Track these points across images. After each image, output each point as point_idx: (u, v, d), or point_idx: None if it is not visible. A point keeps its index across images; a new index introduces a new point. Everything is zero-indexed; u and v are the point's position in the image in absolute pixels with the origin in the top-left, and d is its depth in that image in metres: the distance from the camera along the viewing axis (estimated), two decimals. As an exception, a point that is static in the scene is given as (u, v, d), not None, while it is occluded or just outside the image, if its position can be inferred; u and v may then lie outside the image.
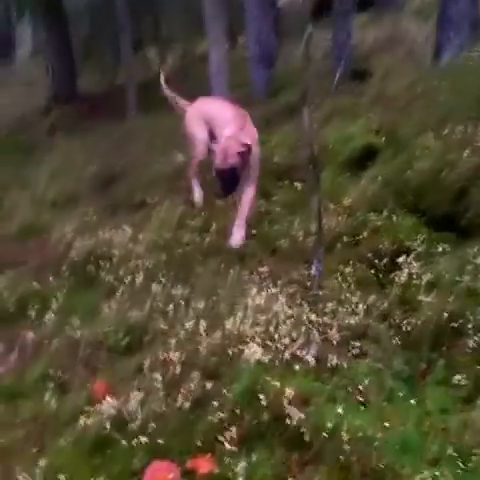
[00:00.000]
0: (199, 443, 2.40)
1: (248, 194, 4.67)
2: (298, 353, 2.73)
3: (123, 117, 9.40)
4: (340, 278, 3.87)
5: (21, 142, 8.67)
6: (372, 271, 3.93)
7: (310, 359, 2.69)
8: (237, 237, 4.43)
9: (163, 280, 3.96)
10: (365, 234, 4.36)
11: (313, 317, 3.05)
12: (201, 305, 3.57)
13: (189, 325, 3.22)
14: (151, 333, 3.29)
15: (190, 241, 4.78)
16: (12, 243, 5.21)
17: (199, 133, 5.21)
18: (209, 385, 2.66)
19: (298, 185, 5.86)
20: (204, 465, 2.27)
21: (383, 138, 5.73)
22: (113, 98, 10.58)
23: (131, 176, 6.27)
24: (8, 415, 2.94)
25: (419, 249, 3.89)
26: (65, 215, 5.63)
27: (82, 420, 2.59)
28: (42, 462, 2.49)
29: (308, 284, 3.67)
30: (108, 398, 2.65)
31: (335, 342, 2.86)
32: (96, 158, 6.95)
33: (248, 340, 2.84)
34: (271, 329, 2.87)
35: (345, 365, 2.70)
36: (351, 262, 4.06)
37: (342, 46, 8.42)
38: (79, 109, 10.41)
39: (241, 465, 2.25)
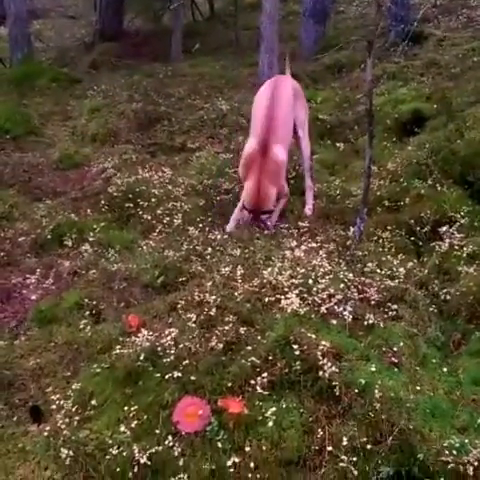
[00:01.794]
0: (230, 384, 2.42)
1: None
2: (335, 308, 2.71)
3: (167, 59, 9.26)
4: (378, 242, 3.85)
5: (64, 74, 8.59)
6: (411, 238, 3.89)
7: (347, 315, 2.67)
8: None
9: (201, 225, 3.96)
10: (407, 201, 4.29)
11: (351, 276, 3.02)
12: (237, 252, 3.58)
13: (225, 270, 3.22)
14: (187, 274, 3.30)
15: (229, 189, 4.77)
16: (52, 172, 5.24)
17: None
18: (243, 330, 2.67)
19: (341, 145, 5.78)
20: (234, 405, 2.30)
21: (434, 105, 5.57)
22: (158, 39, 10.42)
23: (174, 118, 6.21)
24: (42, 339, 3.00)
25: (462, 221, 3.82)
26: (105, 150, 5.63)
27: (116, 349, 2.62)
28: (75, 386, 2.54)
29: (347, 244, 3.64)
30: (143, 330, 2.68)
31: (373, 302, 2.84)
32: (139, 96, 6.87)
33: (286, 290, 2.82)
34: (310, 282, 2.85)
35: (381, 325, 2.68)
36: (390, 228, 4.02)
37: (400, 5, 8.11)
38: (124, 46, 10.27)
39: (271, 410, 2.27)
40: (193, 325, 2.76)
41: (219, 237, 3.68)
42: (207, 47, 10.17)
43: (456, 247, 3.49)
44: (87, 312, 3.09)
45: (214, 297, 2.90)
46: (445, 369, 2.61)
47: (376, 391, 2.30)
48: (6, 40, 9.47)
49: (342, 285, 2.88)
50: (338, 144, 5.80)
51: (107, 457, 2.18)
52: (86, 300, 3.18)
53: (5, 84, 8.05)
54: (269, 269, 3.06)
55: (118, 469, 2.14)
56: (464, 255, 3.41)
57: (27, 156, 5.62)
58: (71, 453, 2.20)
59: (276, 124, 4.20)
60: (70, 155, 5.53)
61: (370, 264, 3.15)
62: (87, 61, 9.68)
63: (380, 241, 3.86)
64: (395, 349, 2.59)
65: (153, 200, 4.32)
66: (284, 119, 4.33)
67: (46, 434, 2.32)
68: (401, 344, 2.62)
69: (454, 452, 2.14)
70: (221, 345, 2.58)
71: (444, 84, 6.07)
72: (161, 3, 11.62)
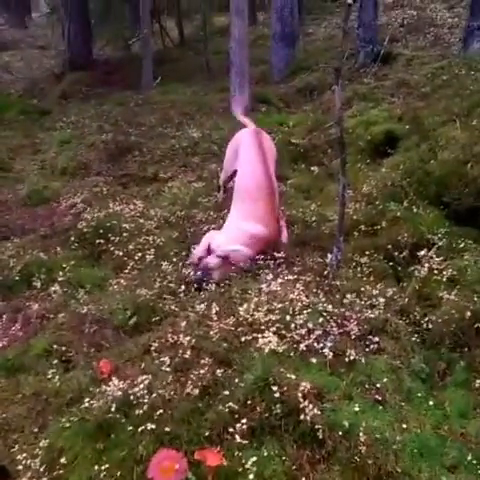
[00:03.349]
0: (207, 433, 2.29)
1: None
2: (315, 345, 2.61)
3: (138, 86, 9.22)
4: (356, 269, 3.77)
5: (33, 106, 8.49)
6: (390, 263, 3.82)
7: (327, 352, 2.57)
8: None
9: (174, 259, 3.85)
10: (384, 224, 4.23)
11: (330, 308, 2.92)
12: (212, 287, 3.47)
13: (200, 308, 3.11)
14: (160, 313, 3.18)
15: (203, 220, 4.67)
16: (20, 209, 5.09)
17: None
18: (220, 372, 2.55)
19: (315, 169, 5.73)
20: (212, 457, 2.17)
21: (406, 125, 5.56)
22: (129, 66, 10.40)
23: (145, 148, 6.13)
24: (9, 390, 2.83)
25: (440, 243, 3.76)
26: (75, 184, 5.50)
27: (86, 401, 2.48)
28: (43, 442, 2.39)
29: (324, 273, 3.54)
30: (114, 379, 2.54)
31: (353, 336, 2.74)
32: (109, 127, 6.79)
33: (263, 328, 2.71)
34: (287, 318, 2.75)
35: (363, 360, 2.58)
36: (368, 252, 3.95)
37: (367, 27, 8.19)
38: (94, 75, 10.23)
39: (251, 459, 2.14)
40: (167, 369, 2.64)
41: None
42: (178, 73, 10.16)
43: (435, 272, 3.42)
44: (56, 360, 2.94)
45: (188, 338, 2.79)
46: (431, 402, 2.52)
47: (361, 433, 2.20)
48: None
49: (321, 319, 2.78)
50: (312, 168, 5.76)
51: (78, 522, 2.03)
52: (55, 346, 3.02)
53: (-28, 118, 7.92)
54: (245, 305, 2.96)
55: None
56: (444, 279, 3.34)
57: (-5, 192, 5.48)
58: (39, 519, 2.05)
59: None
60: (39, 190, 5.39)
61: (349, 295, 3.05)
62: (57, 91, 9.60)
63: (358, 268, 3.78)
64: (378, 385, 2.49)
65: (125, 235, 4.20)
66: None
67: (12, 499, 2.17)
68: (385, 379, 2.52)
69: (445, 495, 2.03)
70: (197, 390, 2.46)
71: (415, 104, 6.08)
72: (130, 31, 11.65)
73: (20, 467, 2.31)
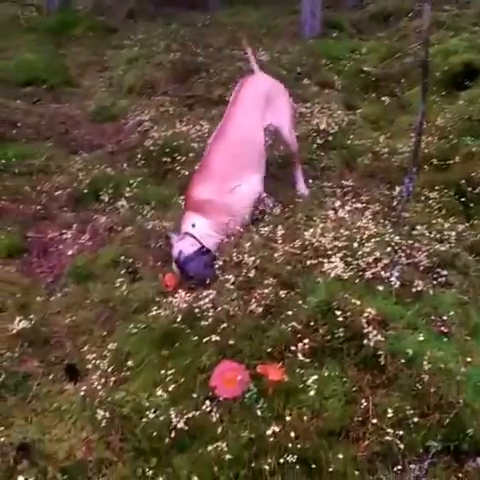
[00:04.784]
0: (269, 349, 2.33)
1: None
2: (381, 274, 2.57)
3: (206, 7, 8.97)
4: (425, 203, 3.67)
5: (101, 23, 8.40)
6: (461, 199, 3.69)
7: (394, 281, 2.53)
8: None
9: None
10: (457, 159, 4.07)
11: (397, 239, 2.86)
12: (277, 212, 3.45)
13: (265, 230, 3.10)
14: (225, 234, 3.19)
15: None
16: (88, 125, 5.14)
17: None
18: (283, 293, 2.56)
19: (386, 99, 5.52)
20: (274, 372, 2.21)
21: (489, 56, 5.25)
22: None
23: (212, 70, 6.00)
24: (79, 296, 2.96)
25: (517, 180, 3.60)
26: (142, 102, 5.49)
27: (153, 310, 2.56)
28: (111, 345, 2.49)
29: (392, 204, 3.47)
30: (180, 292, 2.60)
31: (421, 267, 2.69)
32: (177, 47, 6.67)
33: (329, 253, 2.69)
34: (354, 245, 2.71)
35: (430, 292, 2.54)
36: (438, 188, 3.83)
37: None
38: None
39: (312, 378, 2.18)
40: (231, 287, 2.68)
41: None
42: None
43: (510, 209, 3.29)
44: (123, 270, 3.03)
45: (253, 258, 2.80)
46: (497, 340, 2.46)
47: (424, 362, 2.18)
48: (42, -13, 9.27)
49: (389, 249, 2.74)
50: (383, 98, 5.54)
51: (144, 420, 2.13)
52: (122, 257, 3.11)
53: (42, 33, 7.92)
54: (311, 230, 2.93)
55: (155, 433, 2.09)
56: (519, 218, 3.22)
57: (64, 107, 5.54)
58: (107, 415, 2.16)
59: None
60: (107, 107, 5.41)
61: (419, 227, 2.98)
62: (124, 10, 9.45)
63: (427, 202, 3.68)
64: (444, 318, 2.45)
65: (191, 155, 4.18)
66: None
67: (82, 394, 2.29)
68: (451, 313, 2.47)
69: (507, 428, 2.02)
70: (260, 309, 2.49)
71: (500, 33, 5.71)
72: None
73: (89, 366, 2.42)
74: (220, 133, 3.37)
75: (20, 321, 2.63)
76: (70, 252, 3.34)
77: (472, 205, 3.60)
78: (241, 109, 3.48)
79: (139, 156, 4.31)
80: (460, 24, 6.54)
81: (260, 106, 3.56)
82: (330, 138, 4.54)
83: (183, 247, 2.97)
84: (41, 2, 9.20)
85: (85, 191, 3.90)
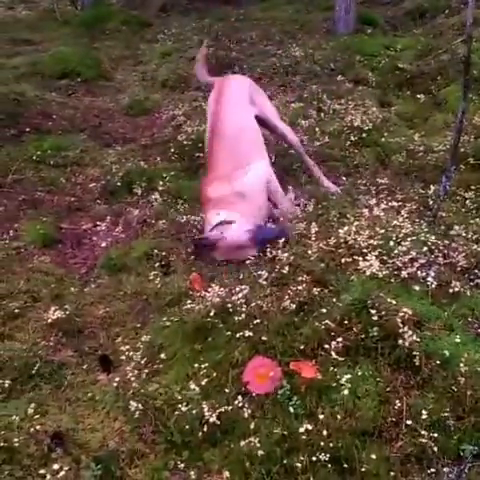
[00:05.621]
0: (302, 347, 2.32)
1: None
2: (417, 273, 2.54)
3: (239, 2, 8.94)
4: (460, 203, 3.61)
5: (134, 17, 8.43)
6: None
7: (430, 281, 2.49)
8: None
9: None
10: (495, 159, 3.99)
11: (433, 238, 2.82)
12: (310, 208, 3.43)
13: (298, 227, 3.09)
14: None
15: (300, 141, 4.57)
16: (122, 118, 5.18)
17: None
18: (316, 291, 2.55)
19: (421, 97, 5.43)
20: (307, 369, 2.20)
21: None
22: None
23: (245, 64, 6.00)
24: (112, 287, 2.98)
25: None
26: (175, 96, 5.51)
27: (186, 303, 2.57)
28: (144, 338, 2.51)
29: (428, 203, 3.42)
30: (214, 286, 2.60)
31: (458, 268, 2.65)
32: (210, 41, 6.66)
33: (364, 251, 2.66)
34: (390, 244, 2.68)
35: (468, 293, 2.50)
36: (474, 187, 3.76)
37: None
38: (194, -11, 9.98)
39: (346, 376, 2.16)
40: (264, 282, 2.67)
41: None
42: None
43: None
44: (156, 263, 3.05)
45: (287, 254, 2.79)
46: None
47: (461, 364, 2.15)
48: (77, -18, 9.34)
49: (425, 248, 2.70)
50: (418, 95, 5.46)
51: (176, 413, 2.14)
52: (155, 250, 3.13)
53: (77, 26, 8.01)
54: (345, 228, 2.91)
55: (187, 426, 2.10)
56: None
57: (97, 100, 5.59)
58: (140, 406, 2.17)
59: None
60: (140, 101, 5.44)
61: (456, 227, 2.93)
62: (158, 4, 9.48)
63: (463, 202, 3.62)
64: (481, 320, 2.42)
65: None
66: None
67: (115, 385, 2.30)
68: (488, 314, 2.43)
69: None
70: (293, 305, 2.48)
71: None
72: None
73: (123, 357, 2.44)
74: (216, 132, 3.41)
75: (55, 311, 2.66)
76: (103, 244, 3.37)
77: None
78: (229, 105, 3.54)
79: (172, 150, 4.32)
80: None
81: (246, 100, 3.68)
82: (364, 135, 4.49)
83: (240, 230, 3.02)
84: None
85: (118, 184, 3.93)
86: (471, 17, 2.64)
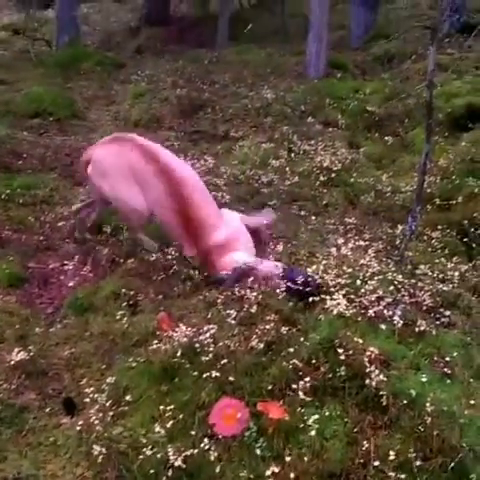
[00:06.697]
0: (270, 387, 2.30)
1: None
2: (384, 312, 2.56)
3: (213, 45, 9.15)
4: (427, 242, 3.68)
5: (109, 58, 8.55)
6: (463, 240, 3.71)
7: (396, 320, 2.51)
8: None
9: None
10: (459, 199, 4.11)
11: (400, 278, 2.85)
12: (280, 248, 3.45)
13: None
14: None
15: (271, 181, 4.65)
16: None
17: None
18: (284, 330, 2.54)
19: (389, 139, 5.58)
20: (274, 410, 2.18)
21: (491, 99, 5.33)
22: (204, 25, 10.32)
23: (217, 106, 6.10)
24: (78, 328, 2.93)
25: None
26: (147, 136, 5.53)
27: (153, 343, 2.53)
28: (110, 379, 2.46)
29: (395, 243, 3.48)
30: (181, 326, 2.58)
31: (424, 307, 2.68)
32: (183, 83, 6.78)
33: (331, 290, 2.68)
34: (357, 282, 2.70)
35: (433, 332, 2.52)
36: (440, 227, 3.85)
37: (456, -5, 7.81)
38: (169, 32, 10.21)
39: (313, 417, 2.14)
40: (232, 322, 2.66)
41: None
42: (253, 34, 9.99)
43: (513, 252, 3.29)
44: (124, 302, 3.01)
45: (255, 293, 2.79)
46: (500, 382, 2.43)
47: (427, 404, 2.15)
48: (53, 23, 9.47)
49: (392, 287, 2.73)
50: (386, 137, 5.61)
51: (140, 457, 2.08)
52: (123, 290, 3.09)
53: (51, 67, 8.07)
54: (314, 266, 2.93)
55: (152, 471, 2.04)
56: (521, 259, 3.22)
57: (70, 139, 5.59)
58: (104, 450, 2.11)
59: None
60: (112, 140, 5.45)
61: (422, 266, 2.98)
62: (132, 46, 9.67)
63: (430, 242, 3.69)
64: (447, 359, 2.43)
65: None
66: None
67: (79, 428, 2.24)
68: (454, 353, 2.45)
69: (511, 475, 1.98)
70: (261, 345, 2.46)
71: (502, 77, 5.81)
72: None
73: (87, 400, 2.38)
74: (184, 188, 3.20)
75: (18, 352, 2.59)
76: (71, 283, 3.32)
77: (475, 246, 3.62)
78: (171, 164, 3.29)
79: (143, 189, 4.31)
80: (462, 67, 6.63)
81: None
82: (333, 175, 4.59)
83: (271, 263, 3.03)
84: (51, 37, 9.39)
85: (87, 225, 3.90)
86: (433, 63, 2.73)
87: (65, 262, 3.52)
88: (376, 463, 2.03)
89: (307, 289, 2.74)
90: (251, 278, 2.97)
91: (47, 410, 2.41)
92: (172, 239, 3.45)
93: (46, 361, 2.67)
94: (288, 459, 2.02)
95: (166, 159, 3.29)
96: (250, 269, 3.01)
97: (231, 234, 3.20)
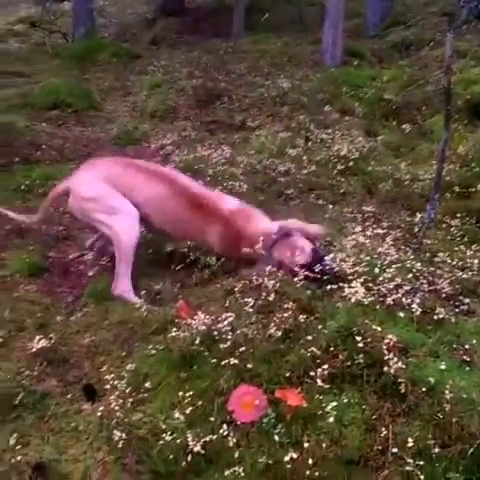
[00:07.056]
0: (288, 374, 2.30)
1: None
2: (402, 300, 2.55)
3: (228, 35, 9.12)
4: (446, 230, 3.65)
5: (125, 50, 8.57)
6: (482, 227, 3.67)
7: (415, 308, 2.50)
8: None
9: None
10: (479, 187, 4.06)
11: (419, 265, 2.84)
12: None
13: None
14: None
15: (288, 170, 4.64)
16: (111, 148, 5.21)
17: None
18: (302, 318, 2.54)
19: (407, 127, 5.53)
20: (292, 397, 2.18)
21: (511, 86, 5.26)
22: (220, 15, 10.28)
23: (234, 95, 6.09)
24: (98, 316, 2.96)
25: None
26: (164, 126, 5.57)
27: (172, 331, 2.55)
28: (129, 366, 2.48)
29: (414, 231, 3.45)
30: (200, 314, 2.59)
31: (443, 295, 2.66)
32: (199, 73, 6.78)
33: (349, 278, 2.67)
34: (375, 271, 2.69)
35: (452, 320, 2.50)
36: (459, 215, 3.81)
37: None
38: (185, 22, 10.20)
39: (331, 404, 2.14)
40: (250, 310, 2.66)
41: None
42: (269, 23, 9.95)
43: None
44: (143, 291, 3.04)
45: (273, 282, 2.79)
46: (520, 370, 2.41)
47: (446, 391, 2.14)
48: (69, 15, 9.52)
49: (410, 275, 2.71)
50: (404, 125, 5.57)
51: (160, 442, 2.11)
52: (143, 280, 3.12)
53: (68, 59, 8.11)
54: (331, 255, 2.92)
55: (171, 456, 2.07)
56: None
57: (87, 131, 5.64)
58: (124, 436, 2.14)
59: None
60: (129, 131, 5.51)
61: (441, 254, 2.96)
62: (148, 37, 9.66)
63: (448, 230, 3.66)
64: (467, 346, 2.41)
65: (208, 179, 4.21)
66: None
67: (99, 414, 2.27)
68: (473, 341, 2.43)
69: None
70: (279, 333, 2.46)
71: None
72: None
73: (107, 387, 2.41)
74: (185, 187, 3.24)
75: (40, 340, 2.63)
76: (90, 273, 3.36)
77: (493, 234, 3.57)
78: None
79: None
80: (482, 54, 6.55)
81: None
82: (351, 164, 4.56)
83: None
84: (67, 29, 9.43)
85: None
86: (450, 49, 2.70)
87: (84, 252, 3.55)
88: (394, 450, 2.03)
89: (325, 277, 2.74)
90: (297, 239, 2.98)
91: (68, 396, 2.44)
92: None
93: (67, 349, 2.71)
94: (306, 445, 2.03)
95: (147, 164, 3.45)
96: (298, 228, 3.01)
97: (241, 204, 3.24)
